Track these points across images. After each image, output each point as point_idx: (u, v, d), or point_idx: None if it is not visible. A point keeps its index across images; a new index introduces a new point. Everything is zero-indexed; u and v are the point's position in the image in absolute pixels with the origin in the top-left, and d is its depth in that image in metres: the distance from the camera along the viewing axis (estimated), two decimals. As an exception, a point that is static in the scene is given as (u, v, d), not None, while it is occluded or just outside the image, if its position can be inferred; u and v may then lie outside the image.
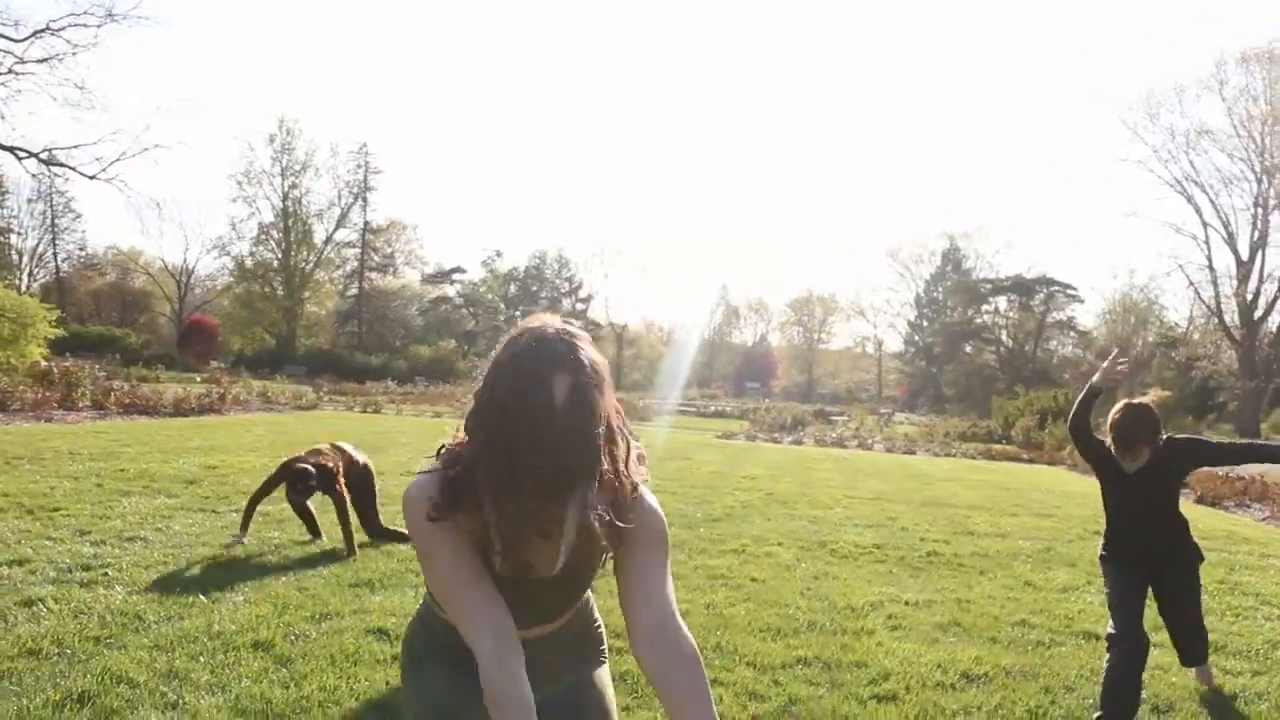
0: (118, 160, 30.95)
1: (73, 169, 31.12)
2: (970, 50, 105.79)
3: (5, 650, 4.28)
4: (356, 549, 6.83)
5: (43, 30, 29.44)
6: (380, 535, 7.32)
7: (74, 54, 30.39)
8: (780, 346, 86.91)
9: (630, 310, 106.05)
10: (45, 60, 29.79)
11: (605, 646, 2.16)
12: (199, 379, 32.22)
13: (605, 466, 1.70)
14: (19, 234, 67.50)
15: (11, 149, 30.98)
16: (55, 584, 5.49)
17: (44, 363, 26.87)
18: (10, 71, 29.83)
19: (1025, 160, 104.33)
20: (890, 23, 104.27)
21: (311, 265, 65.67)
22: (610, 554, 1.84)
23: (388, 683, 4.17)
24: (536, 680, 1.76)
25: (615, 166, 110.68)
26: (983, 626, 5.87)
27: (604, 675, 2.12)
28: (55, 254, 67.90)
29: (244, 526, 7.06)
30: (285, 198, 63.93)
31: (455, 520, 1.72)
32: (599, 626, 2.14)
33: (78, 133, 66.53)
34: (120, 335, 55.64)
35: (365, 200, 67.04)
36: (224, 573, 6.05)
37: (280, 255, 64.51)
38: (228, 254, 66.42)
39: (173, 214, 76.45)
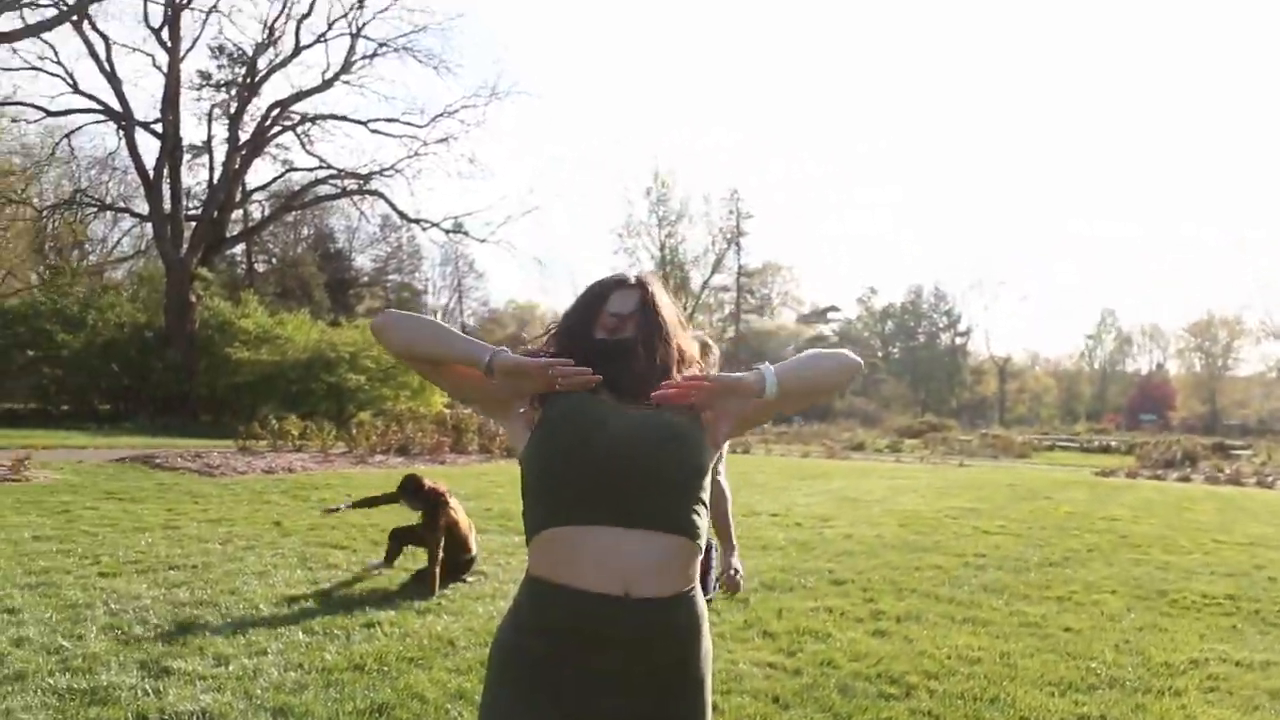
0: (504, 223, 33.78)
1: (467, 234, 34.36)
2: None
3: (338, 663, 4.94)
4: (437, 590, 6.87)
5: (440, 115, 32.99)
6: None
7: (466, 132, 33.74)
8: (1178, 375, 79.84)
9: (1012, 342, 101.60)
10: (443, 140, 33.27)
11: (708, 679, 2.01)
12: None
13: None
14: (433, 294, 75.34)
15: (417, 220, 34.74)
16: (395, 609, 6.21)
17: (445, 411, 29.87)
18: (416, 155, 33.53)
19: None
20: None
21: (690, 311, 68.25)
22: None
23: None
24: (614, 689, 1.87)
25: (993, 192, 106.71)
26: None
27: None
28: (461, 310, 74.80)
29: (389, 558, 7.57)
30: (663, 247, 66.93)
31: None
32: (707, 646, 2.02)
33: (469, 201, 73.94)
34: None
35: (739, 245, 68.92)
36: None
37: (661, 303, 67.33)
38: (613, 304, 70.16)
39: (561, 268, 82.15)
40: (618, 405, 1.97)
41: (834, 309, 75.20)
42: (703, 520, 1.96)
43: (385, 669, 4.90)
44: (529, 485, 1.98)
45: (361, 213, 40.38)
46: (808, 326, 73.63)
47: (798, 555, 9.10)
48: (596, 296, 2.10)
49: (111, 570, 7.01)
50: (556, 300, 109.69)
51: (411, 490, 7.38)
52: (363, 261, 70.97)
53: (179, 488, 12.47)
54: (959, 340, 73.16)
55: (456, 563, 7.28)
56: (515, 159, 76.75)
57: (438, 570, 6.96)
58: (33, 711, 4.11)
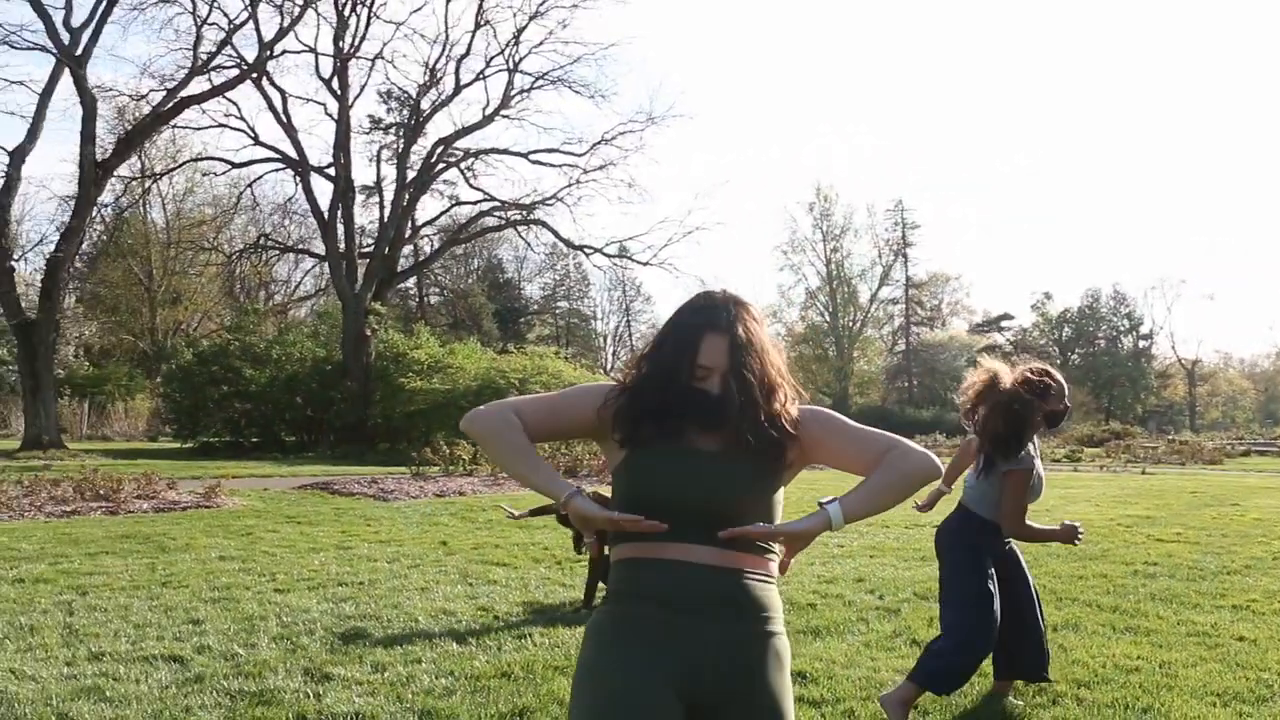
0: (665, 246, 34.16)
1: (630, 258, 34.87)
2: None
3: (486, 670, 5.15)
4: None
5: (598, 142, 33.60)
6: None
7: (625, 158, 34.32)
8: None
9: (1201, 344, 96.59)
10: (602, 167, 33.90)
11: (787, 654, 2.18)
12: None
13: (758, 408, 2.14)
14: (601, 319, 76.54)
15: (580, 246, 35.44)
16: (546, 622, 6.42)
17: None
18: (577, 183, 34.25)
19: None
20: None
21: (858, 325, 67.47)
22: (788, 468, 2.22)
23: None
24: (684, 665, 2.05)
25: (1173, 187, 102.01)
26: None
27: (782, 686, 2.14)
28: (630, 334, 75.70)
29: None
30: (828, 262, 66.45)
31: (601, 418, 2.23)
32: (777, 615, 2.18)
33: (630, 225, 75.48)
34: (688, 403, 60.80)
35: (905, 256, 67.88)
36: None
37: (828, 318, 67.00)
38: (780, 321, 70.33)
39: (726, 287, 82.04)
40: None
41: (1007, 317, 73.10)
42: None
43: (531, 675, 5.08)
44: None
45: (526, 242, 41.50)
46: (980, 336, 71.70)
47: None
48: (687, 344, 2.17)
49: (286, 587, 7.44)
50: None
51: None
52: (532, 290, 72.70)
53: (354, 512, 13.06)
54: (1142, 344, 70.06)
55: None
56: (675, 181, 77.45)
57: (593, 581, 7.04)
58: (208, 710, 4.44)
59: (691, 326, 2.19)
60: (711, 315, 2.19)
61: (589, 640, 2.17)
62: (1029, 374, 4.56)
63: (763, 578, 2.14)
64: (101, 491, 13.01)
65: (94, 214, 29.88)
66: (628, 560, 2.15)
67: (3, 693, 4.67)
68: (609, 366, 75.17)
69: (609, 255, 34.96)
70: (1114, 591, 7.70)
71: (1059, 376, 4.66)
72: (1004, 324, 72.97)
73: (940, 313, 73.50)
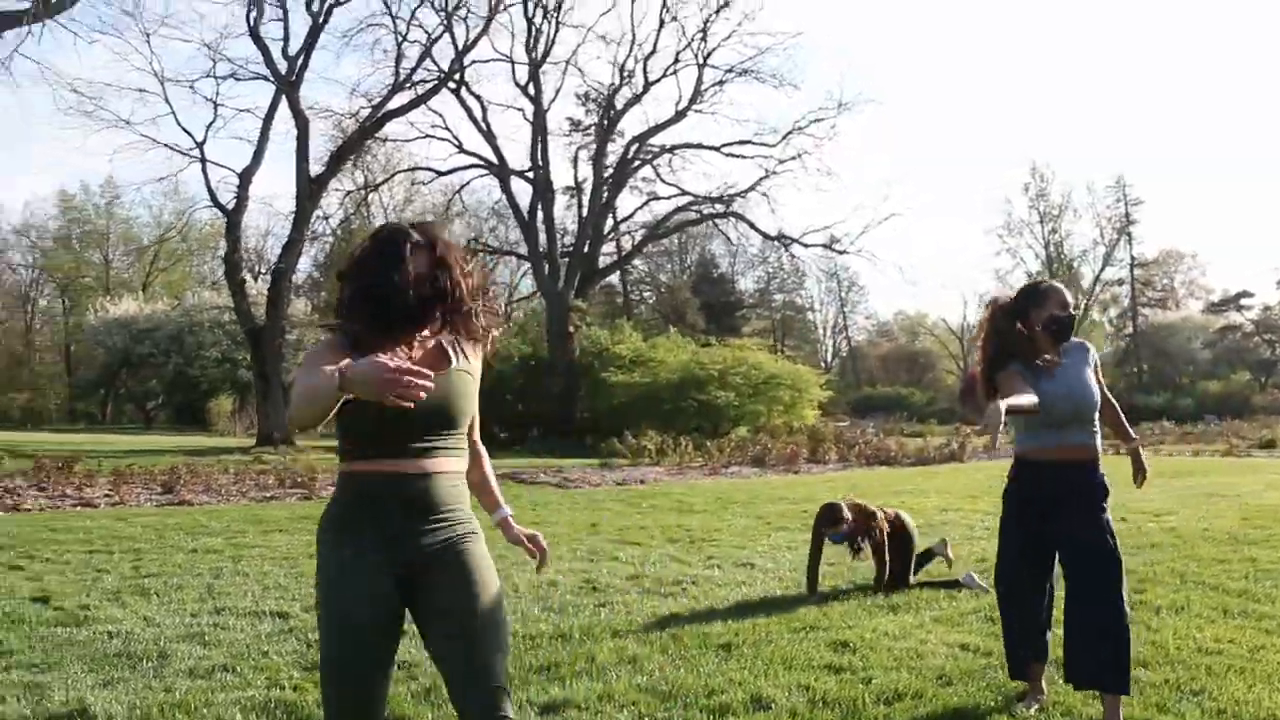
0: (862, 233, 33.81)
1: (826, 247, 34.67)
2: None
3: (547, 630, 5.45)
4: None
5: (790, 132, 33.57)
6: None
7: (819, 145, 34.18)
8: None
9: None
10: (796, 157, 33.87)
11: (480, 532, 2.76)
12: (969, 431, 33.59)
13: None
14: (819, 311, 76.05)
15: (777, 238, 35.50)
16: (639, 592, 6.72)
17: (813, 423, 30.31)
18: (772, 173, 34.35)
19: None
20: None
21: (1081, 309, 64.45)
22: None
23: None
24: (420, 523, 2.61)
25: None
26: None
27: (482, 548, 2.73)
28: (846, 325, 74.85)
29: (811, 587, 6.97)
30: (1047, 244, 63.84)
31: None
32: (471, 516, 2.77)
33: (829, 214, 74.30)
34: (906, 394, 59.92)
35: (1129, 234, 64.31)
36: (775, 604, 6.85)
37: (1049, 302, 64.28)
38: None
39: (948, 275, 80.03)
40: None
41: (1246, 294, 68.01)
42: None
43: (583, 638, 5.40)
44: None
45: (726, 236, 41.78)
46: (1217, 316, 67.18)
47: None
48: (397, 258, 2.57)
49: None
50: (945, 310, 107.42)
51: (829, 520, 7.07)
52: (746, 283, 72.86)
53: (526, 498, 13.70)
54: None
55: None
56: (872, 166, 75.84)
57: (883, 577, 6.95)
58: (284, 655, 4.97)
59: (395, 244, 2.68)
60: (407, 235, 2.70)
61: None
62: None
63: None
64: (299, 480, 14.15)
65: (313, 226, 32.05)
66: None
67: (129, 632, 5.43)
68: (829, 358, 74.68)
69: (806, 245, 34.91)
70: (1251, 577, 7.32)
71: (1052, 283, 4.52)
72: (1243, 302, 68.05)
73: (1173, 293, 69.31)
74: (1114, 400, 4.60)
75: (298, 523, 10.49)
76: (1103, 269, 65.08)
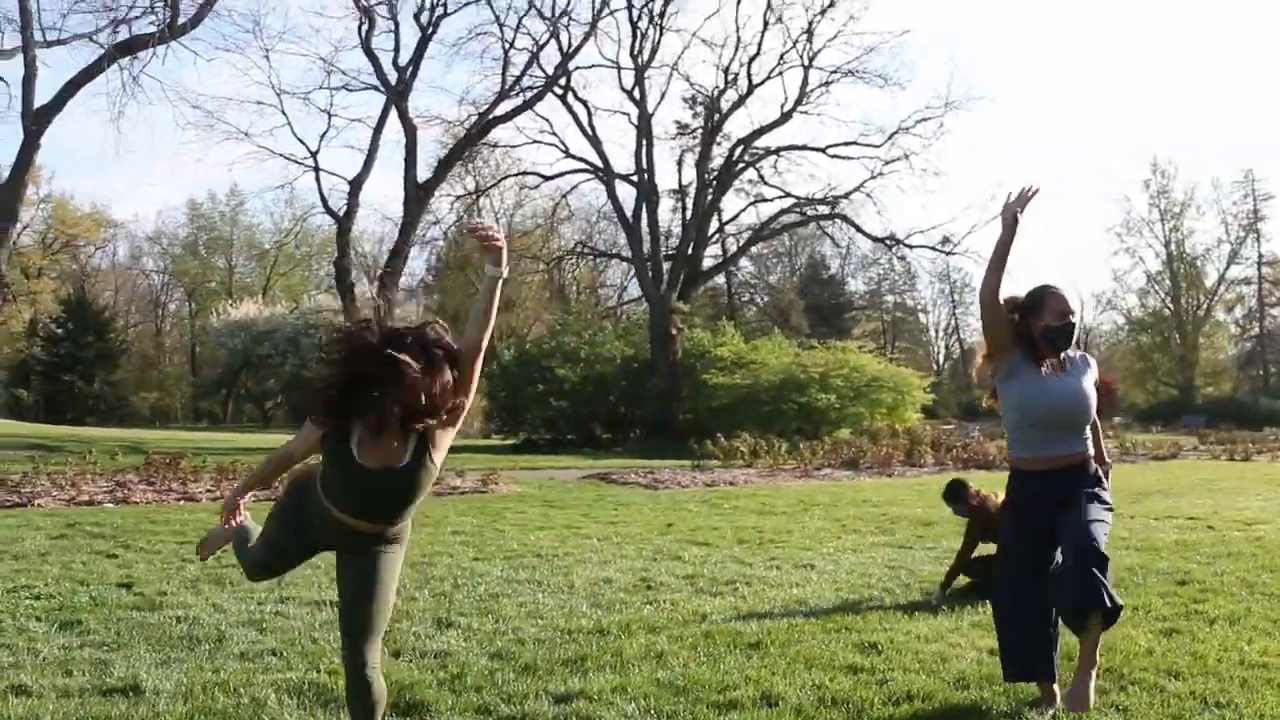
0: (968, 234, 33.36)
1: (934, 249, 34.30)
2: None
3: (587, 625, 5.60)
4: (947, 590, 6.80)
5: (896, 132, 33.29)
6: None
7: (926, 146, 33.81)
8: None
9: None
10: (904, 157, 33.57)
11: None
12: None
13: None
14: (931, 312, 75.01)
15: (883, 239, 35.29)
16: (693, 591, 6.86)
17: (913, 427, 29.95)
18: (880, 174, 34.13)
19: None
20: None
21: (1204, 309, 62.34)
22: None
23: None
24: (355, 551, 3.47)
25: None
26: None
27: (397, 552, 3.53)
28: (958, 327, 73.52)
29: (944, 587, 6.85)
30: (1168, 242, 61.89)
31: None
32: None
33: (935, 214, 72.76)
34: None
35: (1258, 231, 61.92)
36: (835, 607, 6.94)
37: (1170, 303, 62.41)
38: (1113, 308, 66.27)
39: (1064, 276, 77.89)
40: None
41: (1385, 294, 64.90)
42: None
43: (620, 634, 5.57)
44: None
45: (831, 237, 41.54)
46: (1354, 318, 64.25)
47: (1169, 556, 8.54)
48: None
49: (484, 556, 8.31)
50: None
51: (954, 495, 7.19)
52: (856, 285, 72.22)
53: (611, 498, 13.91)
54: None
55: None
56: (982, 165, 74.02)
57: (954, 569, 6.93)
58: (330, 642, 5.28)
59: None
60: None
61: None
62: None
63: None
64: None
65: (426, 231, 33.05)
66: None
67: (195, 618, 5.82)
68: (940, 360, 73.37)
69: (911, 246, 34.56)
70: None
71: (1054, 289, 4.47)
72: (1386, 301, 64.91)
73: (1307, 292, 66.56)
74: (1098, 421, 4.64)
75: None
76: (1228, 267, 62.90)
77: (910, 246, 34.57)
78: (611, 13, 31.70)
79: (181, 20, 23.91)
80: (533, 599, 6.55)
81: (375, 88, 28.96)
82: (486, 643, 5.33)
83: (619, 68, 33.42)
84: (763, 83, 34.29)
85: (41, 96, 23.68)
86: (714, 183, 34.90)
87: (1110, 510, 4.50)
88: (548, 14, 30.42)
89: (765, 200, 38.06)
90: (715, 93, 34.67)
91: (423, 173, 29.02)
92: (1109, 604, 4.25)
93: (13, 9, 23.39)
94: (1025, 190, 4.35)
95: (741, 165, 35.75)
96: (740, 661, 5.03)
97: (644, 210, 33.69)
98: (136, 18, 24.29)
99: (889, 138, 33.74)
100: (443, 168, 29.79)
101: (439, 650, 5.16)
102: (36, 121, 23.41)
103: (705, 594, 6.84)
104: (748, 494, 14.69)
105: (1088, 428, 4.46)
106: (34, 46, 23.29)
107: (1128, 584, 7.15)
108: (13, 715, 4.13)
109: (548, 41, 30.62)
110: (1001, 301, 4.44)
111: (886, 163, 34.04)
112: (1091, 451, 4.49)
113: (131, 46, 24.10)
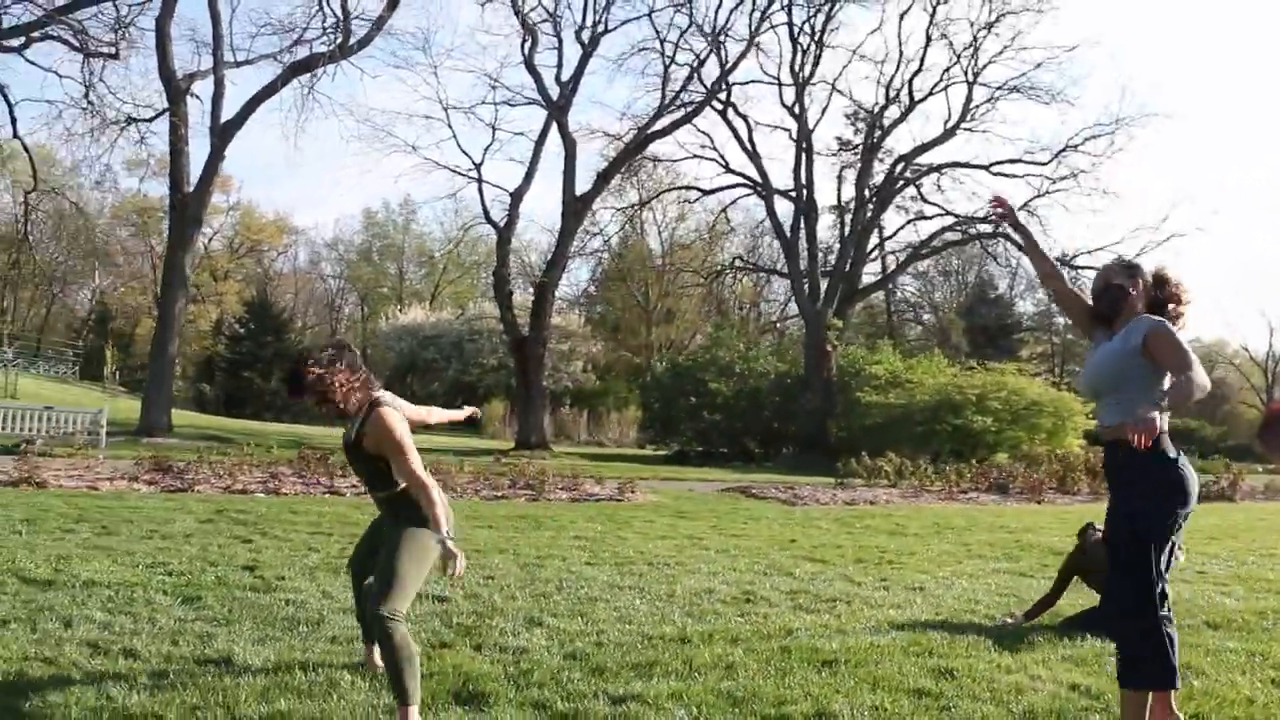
0: (1139, 255, 31.94)
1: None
2: None
3: (670, 634, 5.69)
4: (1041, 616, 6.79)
5: (1063, 150, 32.21)
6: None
7: (1095, 164, 32.60)
8: None
9: None
10: (1071, 176, 32.47)
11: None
12: (1260, 469, 31.21)
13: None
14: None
15: (1056, 259, 34.05)
16: (792, 606, 6.87)
17: (1071, 452, 28.76)
18: (1046, 193, 33.12)
19: None
20: None
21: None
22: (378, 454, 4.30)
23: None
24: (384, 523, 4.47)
25: None
26: None
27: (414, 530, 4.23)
28: (1130, 349, 70.12)
29: (1029, 615, 6.82)
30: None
31: None
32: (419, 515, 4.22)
33: (1104, 234, 69.42)
34: (1196, 426, 55.74)
35: None
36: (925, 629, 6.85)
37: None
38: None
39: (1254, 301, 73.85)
40: None
41: None
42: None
43: (700, 642, 5.65)
44: None
45: (992, 256, 40.42)
46: None
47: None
48: None
49: (596, 561, 8.49)
50: (1248, 337, 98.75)
51: (1080, 534, 7.22)
52: (1025, 306, 69.98)
53: (745, 512, 13.91)
54: None
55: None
56: (1159, 182, 70.14)
57: (1044, 600, 6.94)
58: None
59: None
60: None
61: None
62: None
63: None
64: (529, 483, 14.98)
65: (587, 243, 33.75)
66: None
67: (303, 602, 6.22)
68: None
69: (1075, 267, 33.29)
70: None
71: (1105, 265, 4.60)
72: None
73: None
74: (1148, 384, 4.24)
75: (509, 521, 11.18)
76: None
77: (1075, 268, 33.29)
78: (773, 27, 31.81)
79: (352, 41, 25.19)
80: (628, 604, 6.67)
81: (537, 102, 29.77)
82: (567, 643, 5.49)
83: (779, 84, 33.47)
84: (925, 98, 33.79)
85: (225, 113, 25.41)
86: (874, 199, 34.48)
87: (1149, 503, 4.21)
88: (708, 30, 30.71)
89: (925, 218, 37.43)
90: (877, 108, 34.35)
91: (582, 186, 29.72)
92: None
93: (207, 33, 25.07)
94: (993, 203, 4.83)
95: (902, 182, 35.26)
96: (808, 677, 5.04)
97: (802, 226, 33.54)
98: (316, 38, 25.74)
99: (1056, 155, 32.77)
100: (601, 181, 30.36)
101: (518, 647, 5.34)
102: (221, 135, 24.99)
103: (802, 610, 6.84)
104: (884, 514, 14.50)
105: (1130, 398, 4.15)
106: (223, 67, 24.89)
107: (1254, 628, 6.83)
108: (116, 672, 4.54)
109: (708, 57, 30.93)
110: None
111: (1054, 181, 33.06)
112: (1133, 422, 3.85)
113: (308, 65, 25.48)
